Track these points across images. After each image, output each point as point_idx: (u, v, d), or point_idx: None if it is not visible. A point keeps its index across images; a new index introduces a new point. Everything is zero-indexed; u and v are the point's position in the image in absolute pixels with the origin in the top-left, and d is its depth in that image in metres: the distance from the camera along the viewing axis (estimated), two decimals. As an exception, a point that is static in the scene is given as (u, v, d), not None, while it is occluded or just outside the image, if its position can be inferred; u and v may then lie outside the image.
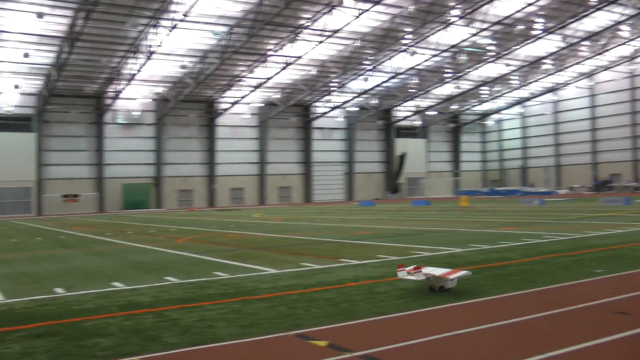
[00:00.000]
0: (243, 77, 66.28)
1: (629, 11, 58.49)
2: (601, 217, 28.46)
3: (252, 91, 69.93)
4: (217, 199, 76.86)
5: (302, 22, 53.88)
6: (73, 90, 66.96)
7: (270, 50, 59.24)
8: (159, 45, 53.12)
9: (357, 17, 51.42)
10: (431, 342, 6.98)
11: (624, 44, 70.53)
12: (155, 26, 50.43)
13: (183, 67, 59.57)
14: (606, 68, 78.76)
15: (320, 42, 56.49)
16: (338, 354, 6.59)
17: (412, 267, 10.37)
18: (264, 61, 61.38)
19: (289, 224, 32.22)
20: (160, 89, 69.18)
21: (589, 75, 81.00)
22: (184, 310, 9.26)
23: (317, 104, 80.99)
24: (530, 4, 54.03)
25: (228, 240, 23.00)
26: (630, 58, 76.03)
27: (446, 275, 10.05)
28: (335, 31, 54.72)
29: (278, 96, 74.40)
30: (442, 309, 8.83)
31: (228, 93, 72.07)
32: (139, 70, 58.74)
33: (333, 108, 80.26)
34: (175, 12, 48.35)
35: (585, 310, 8.48)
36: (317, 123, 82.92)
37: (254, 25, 51.34)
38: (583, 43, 68.07)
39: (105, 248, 21.36)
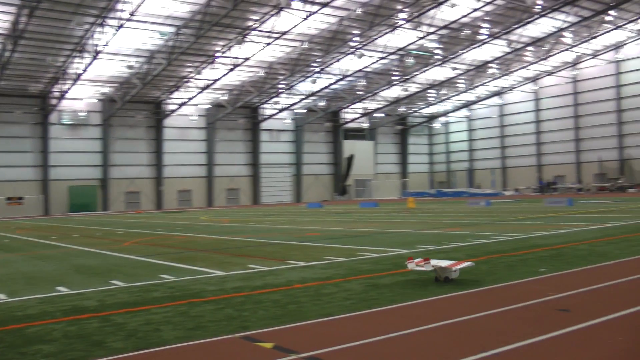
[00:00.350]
0: (191, 78, 65.79)
1: (571, 19, 59.83)
2: (545, 217, 28.99)
3: (199, 92, 69.45)
4: (164, 201, 76.11)
5: (250, 23, 53.72)
6: (17, 90, 65.59)
7: (218, 51, 58.91)
8: (106, 45, 52.37)
9: (305, 19, 51.50)
10: (376, 343, 7.01)
11: (567, 50, 72.20)
12: (101, 25, 49.74)
13: (130, 67, 58.84)
14: (550, 73, 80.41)
15: (268, 43, 56.39)
16: (284, 355, 6.59)
17: (420, 259, 11.32)
18: (212, 62, 61.01)
19: (236, 226, 32.09)
20: (106, 90, 68.22)
21: (534, 79, 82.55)
22: (129, 314, 9.14)
23: (265, 105, 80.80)
24: (476, 10, 54.79)
25: (175, 242, 22.80)
26: (573, 64, 77.79)
27: (451, 266, 10.89)
28: (283, 33, 54.71)
29: (226, 98, 74.04)
30: (388, 310, 8.90)
31: (175, 94, 71.47)
32: (85, 70, 57.75)
33: (281, 110, 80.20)
34: (121, 11, 47.75)
35: (528, 308, 8.63)
36: (265, 125, 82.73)
37: (201, 26, 51.01)
38: (527, 48, 69.40)
39: (49, 252, 20.96)
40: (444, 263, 11.08)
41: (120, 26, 49.05)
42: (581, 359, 6.18)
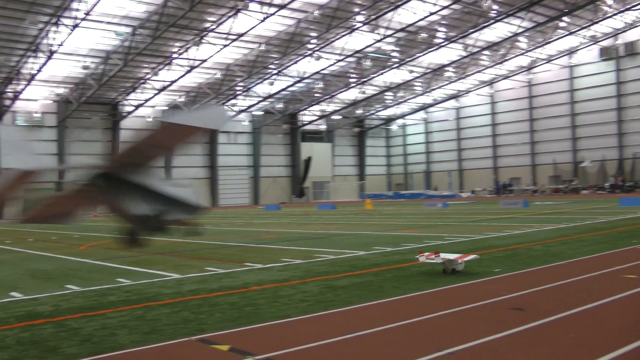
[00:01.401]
0: (147, 79, 65.08)
1: (526, 24, 60.70)
2: (501, 219, 29.37)
3: (156, 94, 68.71)
4: (121, 203, 75.12)
5: (207, 25, 53.33)
6: (-32, 91, 64.38)
7: (175, 52, 58.40)
8: (61, 45, 51.48)
9: (262, 20, 51.31)
10: (332, 344, 7.06)
11: (522, 54, 73.25)
12: (56, 24, 48.90)
13: (85, 67, 57.95)
14: (506, 77, 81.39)
15: (225, 45, 56.03)
16: (239, 357, 6.60)
17: (430, 252, 12.21)
18: (169, 64, 60.48)
19: (194, 229, 31.85)
20: (62, 90, 67.12)
21: (490, 83, 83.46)
22: (85, 319, 9.05)
23: (223, 107, 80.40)
24: (432, 13, 55.10)
25: (131, 245, 22.55)
26: (528, 68, 78.90)
27: (457, 259, 11.91)
28: (240, 35, 54.44)
29: (183, 100, 73.51)
30: (344, 311, 8.95)
31: (132, 95, 70.63)
32: (39, 70, 56.69)
33: (238, 112, 79.76)
34: (77, 10, 46.99)
35: (483, 308, 8.76)
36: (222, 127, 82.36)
37: (158, 26, 50.48)
38: (483, 52, 70.17)
39: (3, 257, 20.61)
40: (451, 256, 12.08)
41: (76, 26, 48.30)
42: (534, 356, 6.29)
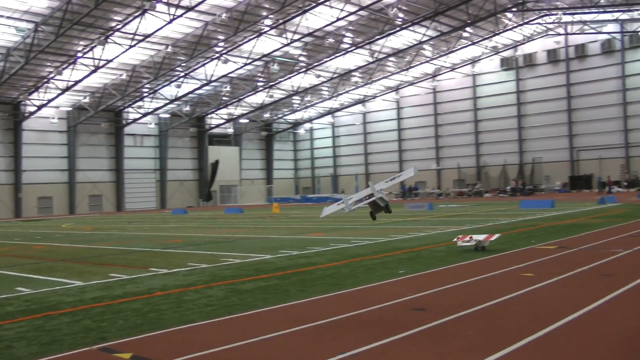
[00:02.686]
0: (51, 78, 63.12)
1: (431, 32, 62.25)
2: (406, 221, 29.90)
3: (60, 94, 66.60)
4: (23, 208, 72.47)
5: (113, 24, 52.21)
6: None
7: (79, 51, 56.94)
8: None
9: (170, 22, 50.62)
10: (236, 349, 7.05)
11: (427, 62, 75.15)
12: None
13: (-17, 65, 55.94)
14: (411, 83, 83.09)
15: (132, 46, 54.95)
16: (142, 365, 6.51)
17: (464, 235, 16.57)
18: (73, 63, 58.85)
19: (98, 234, 31.20)
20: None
21: (396, 89, 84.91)
22: (-21, 330, 8.71)
23: (128, 109, 78.73)
24: (339, 19, 55.68)
25: (33, 252, 21.88)
26: (433, 75, 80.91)
27: (485, 239, 15.77)
28: (147, 36, 53.56)
29: (88, 100, 71.70)
30: (249, 315, 8.96)
31: (35, 95, 68.26)
32: None
33: (145, 114, 78.33)
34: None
35: (386, 309, 8.92)
36: (128, 129, 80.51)
37: (62, 24, 49.12)
38: (389, 59, 71.50)
39: None
40: (481, 237, 15.90)
41: (-27, 21, 46.57)
42: (433, 354, 6.45)
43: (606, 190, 59.78)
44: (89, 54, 56.74)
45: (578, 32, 68.79)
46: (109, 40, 53.13)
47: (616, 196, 48.11)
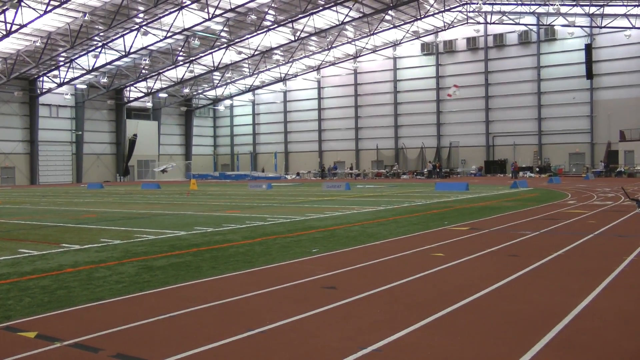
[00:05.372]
0: (-42, 43, 60.63)
1: (353, 14, 62.59)
2: (323, 201, 30.11)
3: (-31, 60, 64.25)
4: None
5: (26, -12, 50.48)
6: None
7: (-10, 16, 54.80)
8: None
9: (88, -11, 49.27)
10: (145, 326, 6.96)
11: (348, 42, 75.62)
12: None
13: None
14: (332, 63, 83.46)
15: (47, 11, 52.98)
16: (47, 344, 6.33)
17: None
18: (-17, 28, 56.58)
19: (9, 207, 30.25)
20: None
21: (317, 68, 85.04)
22: None
23: (43, 78, 76.35)
24: (262, -5, 55.46)
25: None
26: (354, 56, 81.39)
27: None
28: (63, 2, 51.88)
29: (-1, 68, 69.23)
30: (160, 292, 8.87)
31: (-60, 61, 65.61)
32: None
33: (60, 84, 76.02)
34: None
35: (297, 287, 8.97)
36: (43, 99, 78.16)
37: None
38: (312, 38, 71.55)
39: None
40: None
41: None
42: (341, 332, 6.53)
43: (511, 175, 61.82)
44: (1, 17, 54.44)
45: (497, 22, 70.59)
46: (22, 4, 50.93)
47: (528, 181, 49.63)
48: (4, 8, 52.49)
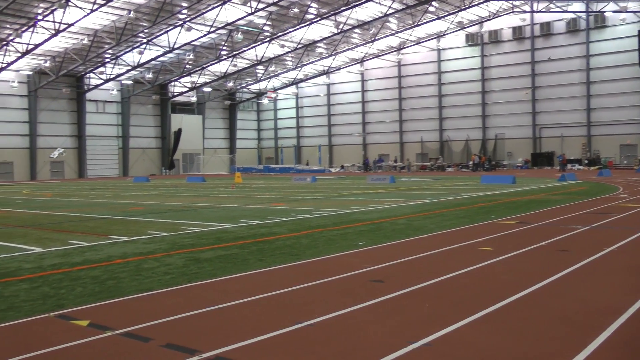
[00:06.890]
0: (10, 41, 61.84)
1: (397, 5, 62.18)
2: (368, 194, 30.02)
3: (20, 57, 65.31)
4: (-19, 174, 71.45)
5: (74, -13, 51.29)
6: None
7: (39, 14, 55.80)
8: None
9: (133, -13, 49.87)
10: (193, 317, 7.03)
11: (392, 34, 75.11)
12: None
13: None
14: (376, 56, 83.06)
15: (93, 10, 53.89)
16: (99, 332, 6.44)
17: None
18: (33, 26, 57.67)
19: (59, 200, 30.84)
20: None
21: (360, 61, 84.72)
22: None
23: (90, 75, 77.53)
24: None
25: (-12, 216, 21.60)
26: (398, 49, 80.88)
27: None
28: (110, 0, 52.62)
29: (48, 65, 70.41)
30: (207, 284, 8.94)
31: (-8, 58, 67.05)
32: None
33: (107, 80, 77.18)
34: None
35: (344, 280, 8.96)
36: (90, 95, 79.40)
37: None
38: (355, 31, 71.31)
39: None
40: None
41: None
42: (389, 325, 6.51)
43: (559, 168, 60.79)
44: (49, 17, 55.54)
45: (544, 10, 69.12)
46: (70, 4, 51.97)
47: (576, 174, 48.82)
48: (53, 8, 53.50)
